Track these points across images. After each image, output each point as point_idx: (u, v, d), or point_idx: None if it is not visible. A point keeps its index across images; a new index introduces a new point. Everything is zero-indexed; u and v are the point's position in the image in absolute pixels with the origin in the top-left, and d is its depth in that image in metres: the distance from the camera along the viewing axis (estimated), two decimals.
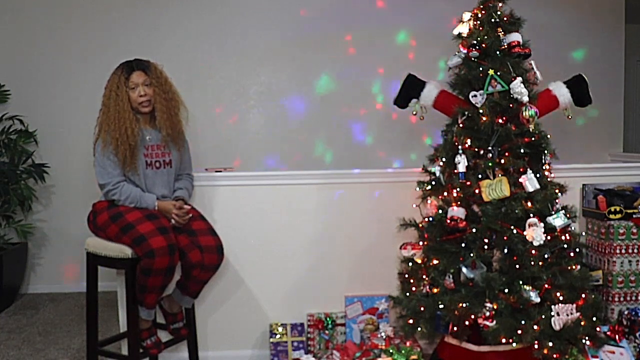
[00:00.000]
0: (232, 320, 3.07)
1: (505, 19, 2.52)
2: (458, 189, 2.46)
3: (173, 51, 4.34)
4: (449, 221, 2.43)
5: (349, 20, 4.49)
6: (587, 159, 4.51)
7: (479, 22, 2.53)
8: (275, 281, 3.08)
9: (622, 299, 2.85)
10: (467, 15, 2.62)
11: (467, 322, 2.38)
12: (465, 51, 2.50)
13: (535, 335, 2.28)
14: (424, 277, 2.57)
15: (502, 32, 2.50)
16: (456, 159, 2.46)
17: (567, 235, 2.42)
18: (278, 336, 2.97)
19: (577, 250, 2.47)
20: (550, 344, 2.28)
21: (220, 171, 3.13)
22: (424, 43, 4.49)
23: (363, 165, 4.39)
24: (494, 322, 2.31)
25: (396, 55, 4.48)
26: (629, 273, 2.84)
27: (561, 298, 2.34)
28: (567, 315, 2.33)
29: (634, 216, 2.89)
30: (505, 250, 2.39)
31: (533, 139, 2.43)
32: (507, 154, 2.43)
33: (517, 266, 2.35)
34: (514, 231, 2.34)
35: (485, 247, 2.41)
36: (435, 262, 2.50)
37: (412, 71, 2.83)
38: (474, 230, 2.39)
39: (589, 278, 2.49)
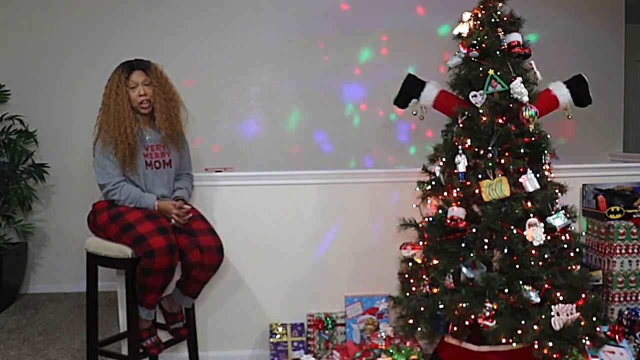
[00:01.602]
0: (232, 320, 3.07)
1: (505, 19, 2.52)
2: (458, 189, 2.46)
3: (173, 51, 4.34)
4: (449, 221, 2.43)
5: (351, 20, 4.49)
6: (587, 159, 4.51)
7: (479, 22, 2.53)
8: (275, 281, 3.08)
9: (622, 299, 2.85)
10: (467, 15, 2.62)
11: (467, 322, 2.38)
12: (465, 51, 2.50)
13: (535, 335, 2.28)
14: (424, 277, 2.57)
15: (502, 32, 2.49)
16: (456, 159, 2.46)
17: (567, 235, 2.42)
18: (278, 336, 2.97)
19: (577, 250, 2.46)
20: (550, 344, 2.28)
21: (221, 171, 3.13)
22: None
23: (365, 164, 4.42)
24: (494, 322, 2.31)
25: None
26: (629, 273, 2.84)
27: (561, 298, 2.34)
28: (567, 315, 2.33)
29: (634, 216, 2.89)
30: (505, 250, 2.39)
31: (533, 139, 2.43)
32: (507, 154, 2.43)
33: (517, 266, 2.35)
34: (514, 231, 2.34)
35: (485, 247, 2.41)
36: (435, 262, 2.50)
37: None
38: (474, 230, 2.39)
39: (589, 278, 2.49)
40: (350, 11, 4.50)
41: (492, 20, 2.50)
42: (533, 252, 2.31)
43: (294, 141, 4.53)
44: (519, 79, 2.40)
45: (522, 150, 2.41)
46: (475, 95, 2.46)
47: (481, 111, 2.42)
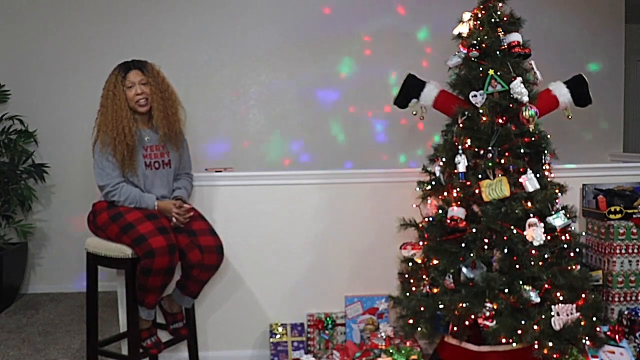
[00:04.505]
0: (232, 320, 3.07)
1: (505, 18, 2.52)
2: (458, 189, 2.46)
3: (172, 51, 4.34)
4: (449, 221, 2.43)
5: (352, 21, 4.48)
6: (587, 159, 4.51)
7: (479, 22, 2.53)
8: (275, 281, 3.07)
9: (622, 299, 2.85)
10: (467, 15, 2.62)
11: (467, 322, 2.38)
12: (465, 51, 2.50)
13: (535, 335, 2.28)
14: (424, 277, 2.57)
15: (502, 32, 2.49)
16: (456, 159, 2.46)
17: (567, 235, 2.42)
18: (278, 336, 2.97)
19: (577, 250, 2.46)
20: (550, 344, 2.28)
21: (220, 171, 3.13)
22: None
23: (369, 166, 4.41)
24: (494, 322, 2.31)
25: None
26: (629, 273, 2.84)
27: (561, 298, 2.34)
28: (567, 315, 2.33)
29: (634, 216, 2.88)
30: (505, 250, 2.39)
31: (533, 139, 2.43)
32: (507, 154, 2.43)
33: (517, 266, 2.35)
34: (514, 231, 2.33)
35: (485, 247, 2.40)
36: (435, 262, 2.50)
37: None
38: (474, 230, 2.39)
39: (589, 278, 2.49)
40: (350, 11, 4.49)
41: (492, 20, 2.50)
42: (533, 252, 2.31)
43: (294, 140, 4.52)
44: (519, 79, 2.40)
45: (522, 150, 2.41)
46: (475, 95, 2.46)
47: (481, 111, 2.42)
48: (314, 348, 3.01)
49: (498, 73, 2.42)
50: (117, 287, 3.02)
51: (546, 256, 2.35)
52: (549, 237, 2.35)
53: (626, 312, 2.80)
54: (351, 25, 4.49)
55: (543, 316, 2.31)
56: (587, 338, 2.42)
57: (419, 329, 2.52)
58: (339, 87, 4.51)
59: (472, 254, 2.39)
